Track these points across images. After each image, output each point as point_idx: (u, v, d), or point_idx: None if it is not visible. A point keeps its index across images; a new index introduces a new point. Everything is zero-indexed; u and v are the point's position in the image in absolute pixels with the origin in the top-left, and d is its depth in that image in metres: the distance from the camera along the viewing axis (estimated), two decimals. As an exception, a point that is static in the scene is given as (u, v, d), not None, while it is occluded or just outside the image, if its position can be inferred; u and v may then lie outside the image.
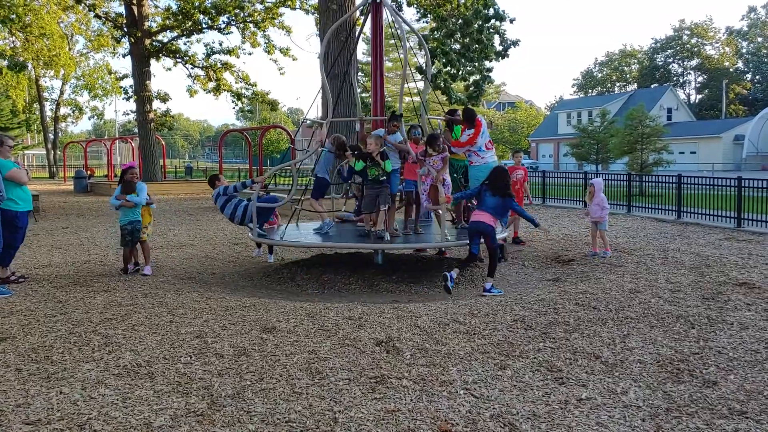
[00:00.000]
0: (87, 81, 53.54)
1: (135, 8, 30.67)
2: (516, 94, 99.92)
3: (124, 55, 35.04)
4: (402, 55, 9.50)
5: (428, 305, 7.14)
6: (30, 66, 41.11)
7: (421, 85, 15.80)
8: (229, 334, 5.84)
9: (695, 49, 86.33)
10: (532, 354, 5.27)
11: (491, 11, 24.19)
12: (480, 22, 24.08)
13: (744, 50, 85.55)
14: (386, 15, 10.59)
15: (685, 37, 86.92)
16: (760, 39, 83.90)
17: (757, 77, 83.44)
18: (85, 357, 5.25)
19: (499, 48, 24.82)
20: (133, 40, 30.82)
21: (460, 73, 24.86)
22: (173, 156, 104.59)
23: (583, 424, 3.97)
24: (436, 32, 24.78)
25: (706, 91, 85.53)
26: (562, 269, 9.91)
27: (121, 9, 32.04)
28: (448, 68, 24.43)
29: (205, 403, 4.29)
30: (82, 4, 31.49)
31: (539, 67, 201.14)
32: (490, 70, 25.19)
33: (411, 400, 4.34)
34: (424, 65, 11.50)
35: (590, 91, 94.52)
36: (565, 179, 23.19)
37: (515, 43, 24.84)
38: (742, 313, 6.50)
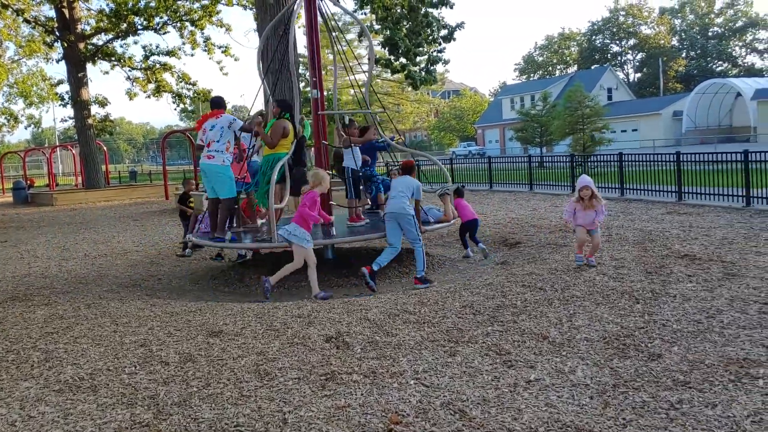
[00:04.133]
0: (21, 88, 51.74)
1: (66, 11, 29.76)
2: (460, 82, 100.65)
3: (58, 60, 34.06)
4: (343, 47, 9.43)
5: (379, 297, 7.12)
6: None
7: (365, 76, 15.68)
8: (175, 341, 5.70)
9: (631, 29, 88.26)
10: (481, 339, 5.29)
11: None
12: (425, 8, 24.06)
13: (678, 28, 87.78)
14: (324, 7, 10.46)
15: (621, 18, 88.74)
16: (692, 16, 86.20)
17: (692, 54, 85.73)
18: (23, 375, 5.06)
19: (444, 32, 24.86)
20: (66, 45, 29.91)
21: (416, 58, 24.80)
22: (117, 161, 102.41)
23: (532, 406, 3.99)
24: (382, 22, 24.64)
25: (645, 69, 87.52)
26: (509, 252, 10.01)
27: (52, 13, 31.04)
28: (401, 58, 24.36)
29: (150, 413, 4.18)
30: (9, 10, 30.38)
31: (481, 52, 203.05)
32: (441, 51, 25.14)
33: (362, 394, 4.30)
34: (368, 56, 11.42)
35: (532, 75, 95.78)
36: (511, 164, 23.49)
37: (460, 26, 24.94)
38: (684, 285, 6.65)
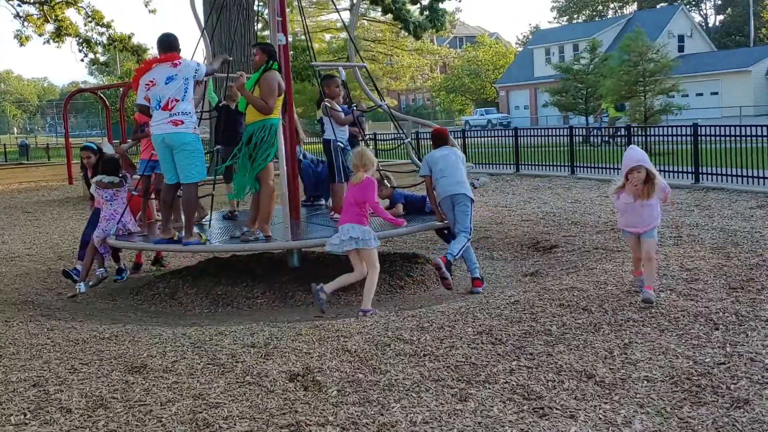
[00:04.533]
0: None
1: None
2: (476, 26, 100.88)
3: None
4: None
5: (362, 320, 7.13)
6: None
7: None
8: (80, 379, 5.68)
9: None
10: (502, 377, 5.30)
11: None
12: None
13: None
14: None
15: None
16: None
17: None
18: None
19: None
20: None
21: None
22: (2, 131, 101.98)
23: (572, 470, 4.01)
24: None
25: (729, 10, 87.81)
26: (542, 259, 10.04)
27: None
28: None
29: (45, 479, 4.18)
30: None
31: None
32: None
33: (338, 453, 4.32)
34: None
35: (575, 16, 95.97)
36: (545, 138, 23.49)
37: None
38: (780, 305, 6.70)
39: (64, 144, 30.32)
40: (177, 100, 8.37)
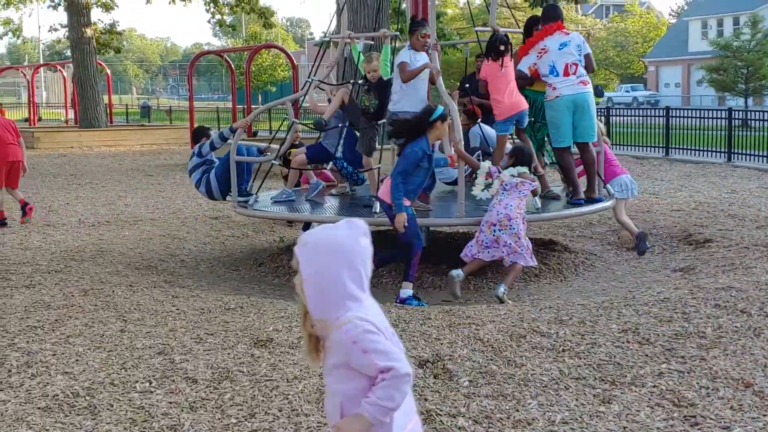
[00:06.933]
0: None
1: None
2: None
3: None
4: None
5: (495, 308, 7.13)
6: None
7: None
8: (206, 349, 5.88)
9: None
10: (650, 380, 5.23)
11: None
12: None
13: None
14: None
15: None
16: None
17: None
18: (-2, 383, 5.33)
19: None
20: None
21: None
22: (123, 91, 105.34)
23: (726, 486, 3.94)
24: None
25: None
26: (694, 254, 9.80)
27: None
28: None
29: (171, 450, 4.34)
30: None
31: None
32: None
33: (471, 447, 4.34)
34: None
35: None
36: (699, 120, 22.89)
37: None
38: None
39: (188, 107, 31.12)
40: (576, 64, 9.24)
